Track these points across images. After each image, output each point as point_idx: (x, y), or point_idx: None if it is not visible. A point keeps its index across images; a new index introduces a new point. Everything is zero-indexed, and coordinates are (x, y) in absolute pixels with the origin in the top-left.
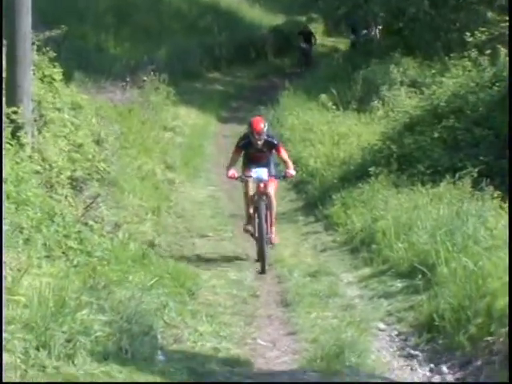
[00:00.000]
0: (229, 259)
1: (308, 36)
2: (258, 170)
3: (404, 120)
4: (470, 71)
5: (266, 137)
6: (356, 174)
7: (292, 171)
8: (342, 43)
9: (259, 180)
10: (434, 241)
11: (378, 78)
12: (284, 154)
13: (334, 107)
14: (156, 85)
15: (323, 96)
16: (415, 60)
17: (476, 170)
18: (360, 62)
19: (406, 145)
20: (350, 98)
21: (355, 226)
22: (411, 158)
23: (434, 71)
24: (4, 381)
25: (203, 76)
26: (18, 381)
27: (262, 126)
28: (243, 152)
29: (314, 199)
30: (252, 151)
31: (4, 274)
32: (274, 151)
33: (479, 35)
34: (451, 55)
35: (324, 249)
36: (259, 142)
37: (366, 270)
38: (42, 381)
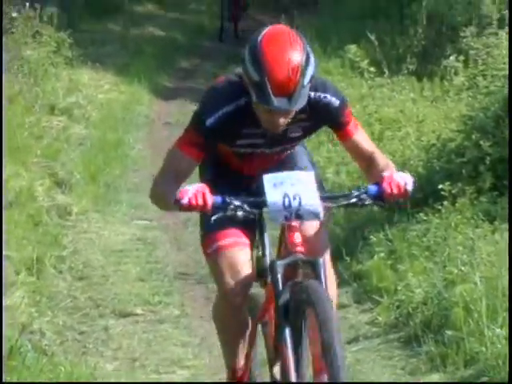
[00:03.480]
0: (174, 360)
1: None
2: (277, 176)
3: (506, 92)
4: None
5: (306, 96)
6: (414, 196)
7: (399, 176)
8: None
9: (291, 215)
10: None
11: (457, 12)
12: (361, 136)
13: (372, 69)
14: (36, 27)
15: (353, 48)
16: None
17: None
18: None
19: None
20: (403, 51)
21: (413, 295)
22: None
23: None
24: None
25: (125, 10)
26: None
27: (297, 63)
28: (218, 147)
29: (336, 243)
30: (250, 145)
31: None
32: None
33: None
34: None
35: (354, 338)
36: (281, 120)
37: (435, 378)
38: None
